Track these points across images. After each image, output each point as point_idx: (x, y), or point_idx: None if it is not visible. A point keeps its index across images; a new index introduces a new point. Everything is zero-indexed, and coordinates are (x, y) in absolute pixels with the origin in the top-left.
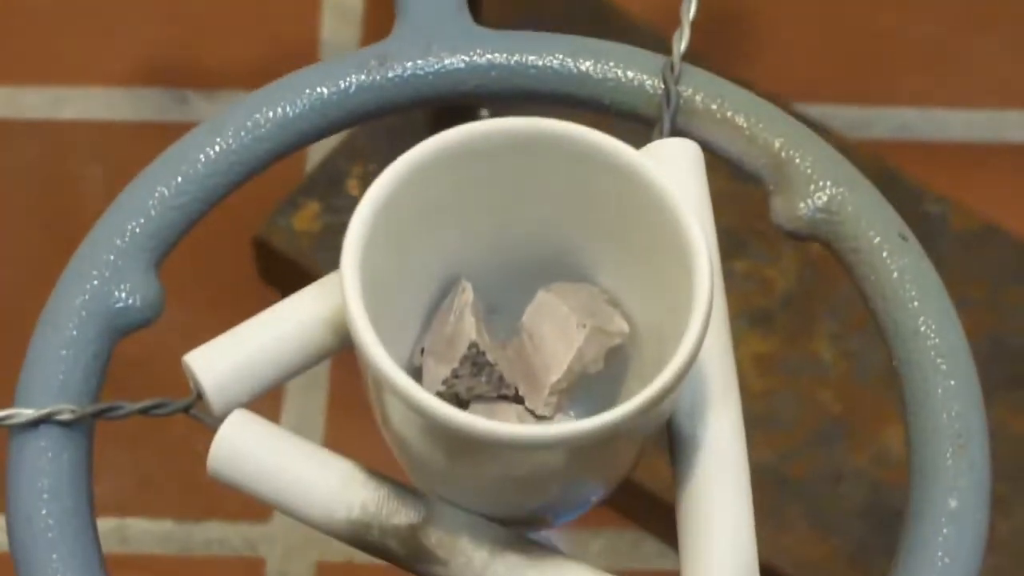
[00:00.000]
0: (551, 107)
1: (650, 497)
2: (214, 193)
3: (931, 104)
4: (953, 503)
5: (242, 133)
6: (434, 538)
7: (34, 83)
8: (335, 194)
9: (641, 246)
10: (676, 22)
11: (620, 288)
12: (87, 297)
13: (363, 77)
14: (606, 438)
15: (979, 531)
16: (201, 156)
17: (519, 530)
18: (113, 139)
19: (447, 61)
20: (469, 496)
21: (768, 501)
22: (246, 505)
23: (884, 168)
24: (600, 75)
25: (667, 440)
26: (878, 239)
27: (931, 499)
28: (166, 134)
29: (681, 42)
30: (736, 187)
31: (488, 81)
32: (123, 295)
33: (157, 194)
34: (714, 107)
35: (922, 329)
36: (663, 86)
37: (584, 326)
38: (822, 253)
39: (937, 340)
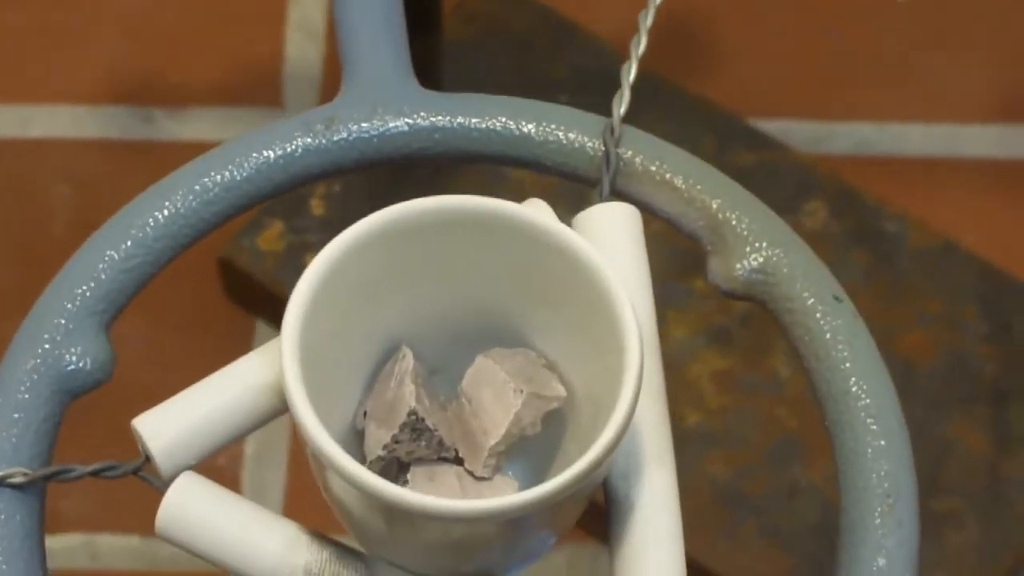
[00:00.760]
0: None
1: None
2: (163, 256)
3: (890, 119)
4: (881, 561)
5: (190, 197)
6: None
7: (1, 101)
8: (298, 214)
9: (576, 316)
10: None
11: (557, 353)
12: (38, 360)
13: (309, 140)
14: (541, 508)
15: None
16: (150, 220)
17: None
18: (80, 157)
19: (391, 124)
20: (411, 559)
21: (724, 517)
22: None
23: (843, 185)
24: (541, 137)
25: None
26: (812, 300)
27: (860, 558)
28: (132, 152)
29: (621, 105)
30: None
31: (431, 144)
32: (74, 358)
33: (107, 258)
34: (653, 168)
35: (853, 390)
36: (603, 148)
37: (521, 392)
38: None
39: (868, 400)
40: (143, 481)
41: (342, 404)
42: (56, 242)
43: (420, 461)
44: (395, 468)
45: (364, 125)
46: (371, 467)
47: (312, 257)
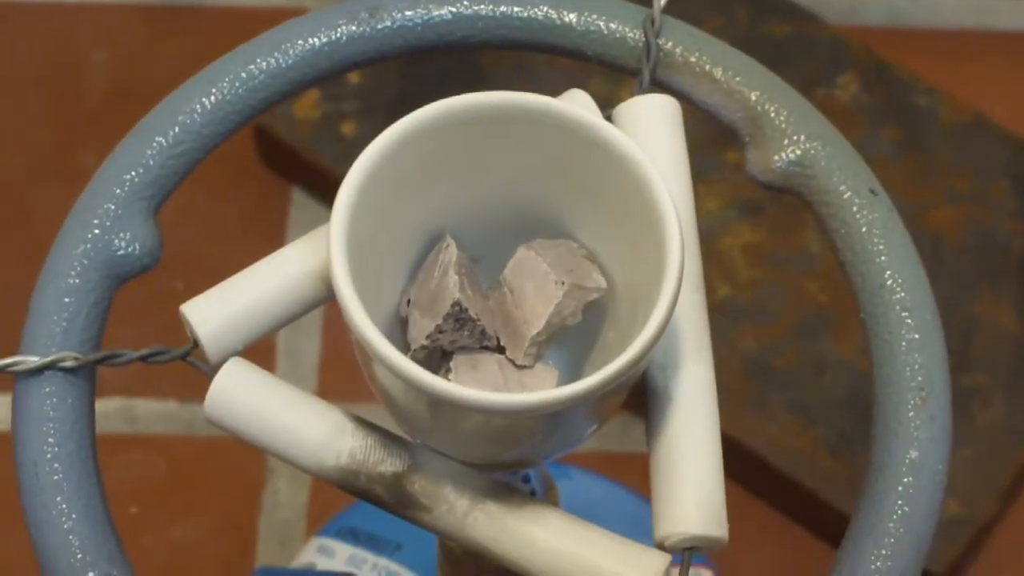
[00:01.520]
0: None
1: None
2: (210, 141)
3: None
4: (914, 454)
5: (237, 84)
6: (418, 486)
7: None
8: (334, 82)
9: (617, 210)
10: None
11: (597, 244)
12: (88, 246)
13: (354, 28)
14: (583, 401)
15: (938, 481)
16: (197, 107)
17: (507, 472)
18: (119, 22)
19: (435, 12)
20: (453, 447)
21: (753, 391)
22: None
23: (875, 58)
24: (583, 27)
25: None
26: (848, 194)
27: (892, 450)
28: (170, 16)
29: None
30: None
31: (475, 32)
32: (123, 243)
33: (155, 144)
34: (692, 60)
35: (888, 283)
36: (644, 39)
37: (563, 283)
38: None
39: (903, 294)
40: (191, 366)
41: (386, 292)
42: (92, 108)
43: (463, 349)
44: (438, 355)
45: (408, 13)
46: (415, 355)
47: (347, 125)
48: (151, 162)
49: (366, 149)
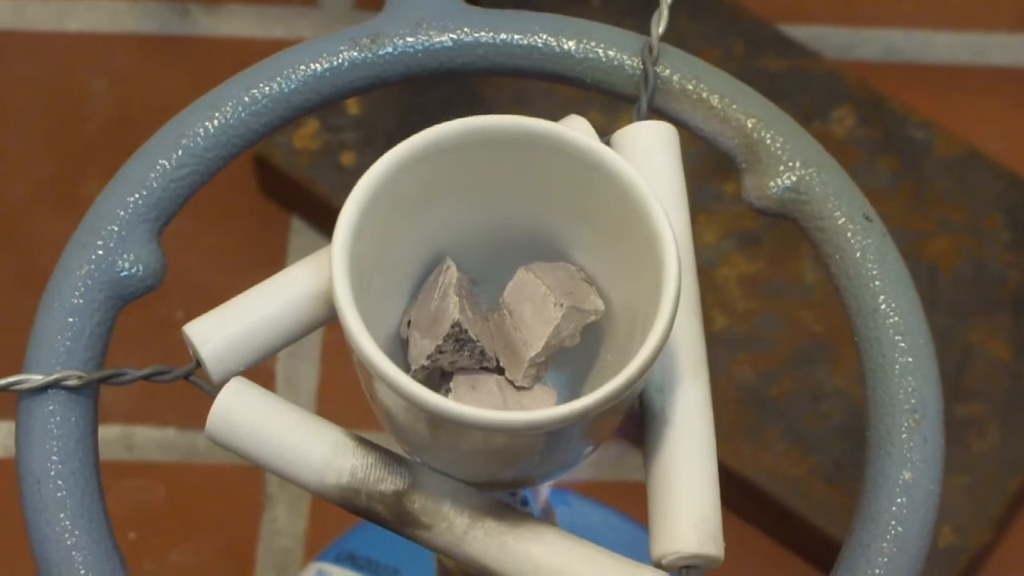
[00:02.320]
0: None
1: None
2: (212, 165)
3: (918, 26)
4: (907, 475)
5: (239, 108)
6: (418, 504)
7: None
8: (334, 113)
9: (614, 232)
10: None
11: (596, 267)
12: (92, 267)
13: (356, 54)
14: (580, 420)
15: (931, 502)
16: (200, 130)
17: (506, 494)
18: (117, 51)
19: (436, 39)
20: (453, 465)
21: (749, 420)
22: None
23: (871, 92)
24: (582, 55)
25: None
26: (843, 220)
27: (886, 472)
28: (168, 47)
29: (660, 24)
30: None
31: (475, 59)
32: (127, 264)
33: (159, 167)
34: (690, 87)
35: (882, 307)
36: (642, 66)
37: (561, 305)
38: None
39: (896, 318)
40: (194, 385)
41: (387, 313)
42: (92, 136)
43: (463, 370)
44: (438, 376)
45: (409, 40)
46: (415, 375)
47: (346, 155)
48: (155, 184)
49: (368, 170)
